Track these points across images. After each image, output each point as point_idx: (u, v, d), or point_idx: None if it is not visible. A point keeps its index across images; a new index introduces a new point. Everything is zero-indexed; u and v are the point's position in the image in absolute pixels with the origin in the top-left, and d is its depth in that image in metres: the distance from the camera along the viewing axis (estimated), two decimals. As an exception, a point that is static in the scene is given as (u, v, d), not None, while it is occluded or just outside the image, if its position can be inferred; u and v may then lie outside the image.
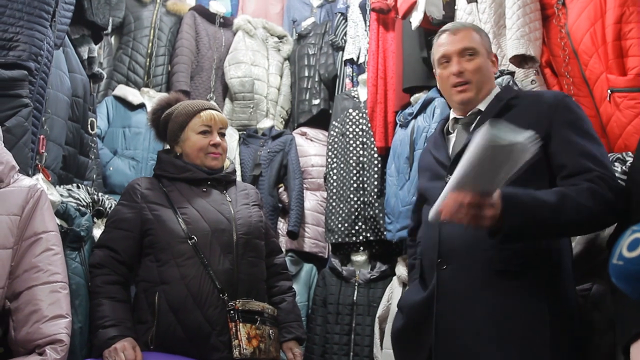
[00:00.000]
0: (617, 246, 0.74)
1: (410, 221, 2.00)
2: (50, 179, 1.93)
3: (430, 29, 2.88)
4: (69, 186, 2.04)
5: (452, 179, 1.33)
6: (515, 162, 1.25)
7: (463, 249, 1.49)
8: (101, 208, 2.10)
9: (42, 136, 1.91)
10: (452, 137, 1.71)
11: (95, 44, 2.57)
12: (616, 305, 1.39)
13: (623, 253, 0.73)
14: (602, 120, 2.19)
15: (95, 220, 2.05)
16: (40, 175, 1.83)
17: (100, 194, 2.15)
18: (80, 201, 1.99)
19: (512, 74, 2.46)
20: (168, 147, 2.11)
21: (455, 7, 2.85)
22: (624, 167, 1.87)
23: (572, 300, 1.54)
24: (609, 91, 2.11)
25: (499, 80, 2.46)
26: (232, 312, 1.74)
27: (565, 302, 1.48)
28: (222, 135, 2.02)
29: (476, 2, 2.68)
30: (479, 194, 1.29)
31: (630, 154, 1.87)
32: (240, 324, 1.73)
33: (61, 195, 1.90)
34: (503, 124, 1.24)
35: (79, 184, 2.11)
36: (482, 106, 1.66)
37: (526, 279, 1.44)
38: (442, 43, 1.71)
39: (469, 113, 1.67)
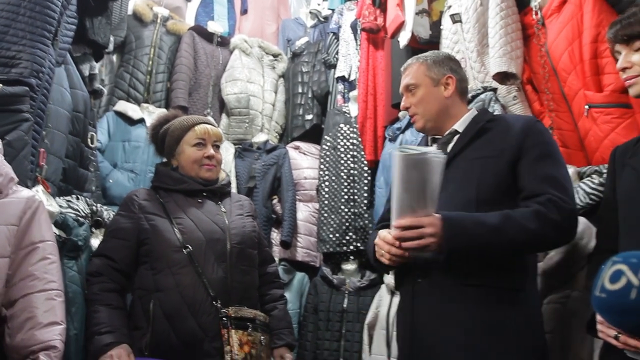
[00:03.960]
0: (599, 278, 0.73)
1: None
2: (50, 190, 1.91)
3: (417, 47, 2.89)
4: (69, 197, 2.02)
5: (392, 211, 1.44)
6: (431, 174, 1.34)
7: (436, 263, 1.48)
8: (99, 218, 2.08)
9: (42, 149, 1.90)
10: None
11: (97, 62, 2.57)
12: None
13: (605, 285, 0.72)
14: (580, 135, 2.21)
15: (93, 230, 2.03)
16: (40, 187, 1.82)
17: (98, 205, 2.13)
18: (79, 212, 1.98)
19: (494, 90, 2.47)
20: (165, 160, 2.10)
21: (441, 27, 2.87)
22: (601, 179, 1.88)
23: (536, 307, 1.58)
24: (586, 107, 2.13)
25: (482, 96, 2.47)
26: (224, 319, 1.72)
27: (530, 310, 1.51)
28: (217, 147, 2.01)
29: (461, 22, 2.70)
30: (417, 215, 1.39)
31: (606, 166, 1.88)
32: (233, 331, 1.71)
33: (60, 206, 1.88)
34: (409, 145, 1.37)
35: (78, 196, 2.10)
36: (459, 127, 1.67)
37: (492, 290, 1.46)
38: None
39: (446, 133, 1.69)
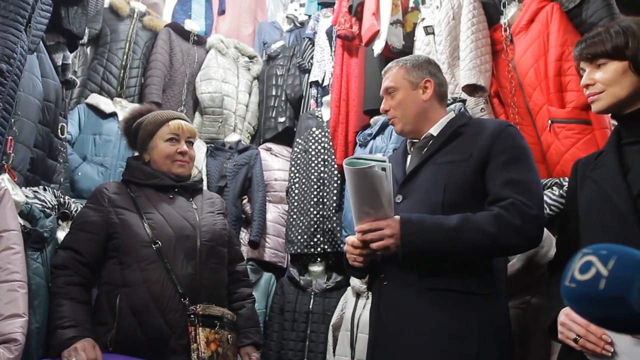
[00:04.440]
0: (569, 269, 0.74)
1: None
2: (16, 179, 1.83)
3: (390, 56, 2.91)
4: (35, 188, 1.94)
5: (352, 214, 1.46)
6: (379, 183, 1.37)
7: (400, 265, 1.48)
8: (67, 211, 2.01)
9: (10, 137, 1.82)
10: (409, 157, 1.73)
11: (71, 52, 2.47)
12: (549, 297, 1.45)
13: (575, 276, 0.73)
14: (542, 148, 2.26)
15: (60, 222, 1.95)
16: (6, 176, 1.74)
17: (66, 197, 2.05)
18: (46, 203, 1.90)
19: (463, 101, 2.51)
20: (137, 154, 2.04)
21: (415, 38, 2.90)
22: (561, 191, 1.93)
23: (503, 312, 1.53)
24: (549, 121, 2.18)
25: (452, 106, 2.50)
26: (192, 316, 1.68)
27: (495, 315, 1.48)
28: (190, 144, 1.97)
29: (433, 34, 2.73)
30: (373, 221, 1.42)
31: (567, 179, 1.92)
32: (200, 328, 1.67)
33: (26, 196, 1.80)
34: (358, 157, 1.40)
35: (46, 187, 2.01)
36: (434, 131, 1.67)
37: (456, 294, 1.44)
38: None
39: (423, 137, 1.69)
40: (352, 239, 1.52)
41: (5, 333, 1.19)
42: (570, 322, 1.22)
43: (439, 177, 1.53)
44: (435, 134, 1.65)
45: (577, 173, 1.54)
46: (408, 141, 1.75)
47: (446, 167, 1.54)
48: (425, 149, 1.64)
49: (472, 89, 2.43)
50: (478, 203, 1.50)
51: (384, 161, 1.38)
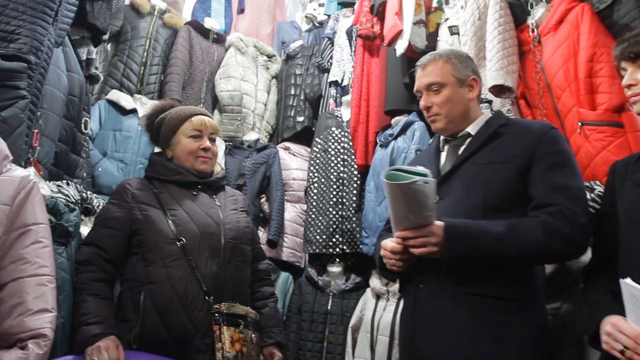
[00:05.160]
0: None
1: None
2: (41, 173, 1.81)
3: (413, 57, 2.87)
4: (59, 182, 1.92)
5: (391, 221, 1.42)
6: (422, 195, 1.32)
7: (438, 269, 1.43)
8: (89, 206, 1.98)
9: (36, 130, 1.79)
10: (443, 155, 1.68)
11: (94, 47, 2.45)
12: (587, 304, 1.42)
13: None
14: (571, 151, 2.20)
15: (82, 217, 1.93)
16: (32, 169, 1.71)
17: (89, 192, 2.03)
18: (69, 198, 1.88)
19: (489, 102, 2.46)
20: (158, 150, 2.01)
21: (438, 38, 2.86)
22: (592, 195, 1.87)
23: (542, 320, 1.50)
24: (579, 124, 2.13)
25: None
26: (216, 315, 1.64)
27: (535, 322, 1.44)
28: (213, 140, 1.94)
29: (458, 34, 2.68)
30: (415, 228, 1.36)
31: (598, 182, 1.87)
32: (224, 327, 1.63)
33: (51, 190, 1.78)
34: (397, 169, 1.34)
35: (69, 181, 1.99)
36: (471, 129, 1.62)
37: (496, 300, 1.40)
38: (417, 78, 1.70)
39: (459, 135, 1.63)
40: (390, 244, 1.47)
41: (34, 328, 1.15)
42: (617, 332, 1.17)
43: (479, 178, 1.48)
44: (473, 133, 1.60)
45: (615, 175, 1.49)
46: (441, 138, 1.70)
47: (487, 168, 1.49)
48: (462, 148, 1.58)
49: (499, 90, 2.38)
50: (519, 207, 1.45)
51: (426, 175, 1.32)
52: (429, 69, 1.65)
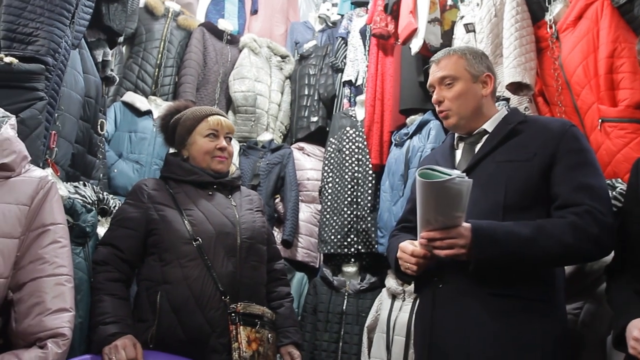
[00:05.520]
0: None
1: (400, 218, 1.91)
2: (59, 174, 1.82)
3: (428, 55, 2.84)
4: (76, 183, 1.93)
5: (418, 221, 1.39)
6: (456, 195, 1.29)
7: (457, 269, 1.41)
8: (105, 207, 1.99)
9: (53, 132, 1.81)
10: (458, 153, 1.65)
11: (110, 49, 2.47)
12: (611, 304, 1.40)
13: None
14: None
15: (99, 218, 1.94)
16: (49, 170, 1.73)
17: (105, 193, 2.04)
18: (86, 198, 1.89)
19: (507, 100, 2.42)
20: (174, 150, 2.01)
21: (454, 36, 2.82)
22: (614, 193, 1.83)
23: (564, 320, 1.47)
24: (599, 121, 2.08)
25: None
26: (233, 314, 1.64)
27: (557, 323, 1.41)
28: (229, 140, 1.93)
29: (474, 32, 2.65)
30: (443, 229, 1.33)
31: (620, 180, 1.83)
32: (241, 327, 1.63)
33: (68, 191, 1.79)
34: (432, 168, 1.31)
35: (86, 182, 2.00)
36: (488, 127, 1.59)
37: (518, 301, 1.38)
38: (430, 73, 1.68)
39: (475, 132, 1.61)
40: (411, 247, 1.45)
41: (53, 327, 1.16)
42: None
43: (499, 176, 1.45)
44: (489, 130, 1.57)
45: (638, 172, 1.45)
46: (456, 136, 1.67)
47: (507, 167, 1.46)
48: (479, 146, 1.56)
49: (516, 87, 2.34)
50: (540, 206, 1.42)
51: (463, 177, 1.29)
52: (443, 63, 1.63)
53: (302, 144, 3.81)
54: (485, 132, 1.58)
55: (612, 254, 1.53)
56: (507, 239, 1.33)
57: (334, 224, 3.24)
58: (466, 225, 1.34)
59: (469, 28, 2.68)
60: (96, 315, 1.57)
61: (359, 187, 3.24)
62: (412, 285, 1.73)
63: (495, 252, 1.33)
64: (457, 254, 1.35)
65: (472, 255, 1.33)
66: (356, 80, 3.67)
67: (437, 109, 1.65)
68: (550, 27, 2.36)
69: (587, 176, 1.40)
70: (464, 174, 1.31)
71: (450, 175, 1.27)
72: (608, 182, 1.92)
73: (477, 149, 1.55)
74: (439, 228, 1.34)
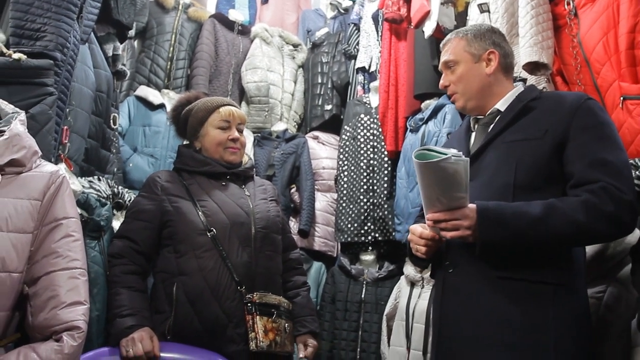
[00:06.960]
0: None
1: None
2: (72, 169, 1.83)
3: (442, 38, 2.78)
4: (90, 178, 1.95)
5: (423, 204, 1.37)
6: (454, 175, 1.26)
7: (468, 252, 1.37)
8: (120, 200, 2.00)
9: (65, 127, 1.82)
10: (473, 135, 1.61)
11: (120, 43, 2.48)
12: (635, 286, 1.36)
13: None
14: (613, 127, 2.10)
15: (114, 212, 1.95)
16: (62, 165, 1.74)
17: (120, 187, 2.05)
18: (101, 193, 1.90)
19: (524, 80, 2.36)
20: (187, 142, 2.01)
21: (468, 18, 2.76)
22: (637, 173, 1.77)
23: (582, 304, 1.40)
24: (621, 98, 2.01)
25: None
26: (249, 304, 1.64)
27: (573, 307, 1.34)
28: (241, 131, 1.92)
29: (489, 12, 2.59)
30: (446, 210, 1.31)
31: (643, 159, 1.77)
32: (257, 317, 1.63)
33: (82, 186, 1.80)
34: (429, 149, 1.27)
35: (100, 177, 2.02)
36: (500, 106, 1.53)
37: (529, 285, 1.32)
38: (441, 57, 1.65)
39: (488, 113, 1.56)
40: (420, 230, 1.43)
41: (68, 321, 1.17)
42: None
43: (510, 156, 1.40)
44: (502, 109, 1.52)
45: (662, 151, 1.40)
46: (472, 118, 1.63)
47: (517, 146, 1.40)
48: (492, 126, 1.51)
49: (533, 67, 2.27)
50: (553, 186, 1.36)
51: (460, 156, 1.26)
52: (447, 47, 1.61)
53: (316, 133, 3.78)
54: (498, 111, 1.53)
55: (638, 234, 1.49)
56: (515, 220, 1.27)
57: (350, 212, 3.22)
58: (472, 206, 1.31)
59: (483, 8, 2.61)
60: (113, 308, 1.59)
61: (375, 175, 3.21)
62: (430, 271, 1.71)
63: (502, 233, 1.28)
64: (462, 236, 1.31)
65: (478, 237, 1.30)
66: (369, 66, 3.62)
67: (447, 92, 1.62)
68: (568, 4, 2.28)
69: (603, 151, 1.32)
70: (461, 152, 1.27)
71: (445, 154, 1.23)
72: (631, 161, 1.87)
73: (490, 130, 1.51)
74: (443, 209, 1.31)
